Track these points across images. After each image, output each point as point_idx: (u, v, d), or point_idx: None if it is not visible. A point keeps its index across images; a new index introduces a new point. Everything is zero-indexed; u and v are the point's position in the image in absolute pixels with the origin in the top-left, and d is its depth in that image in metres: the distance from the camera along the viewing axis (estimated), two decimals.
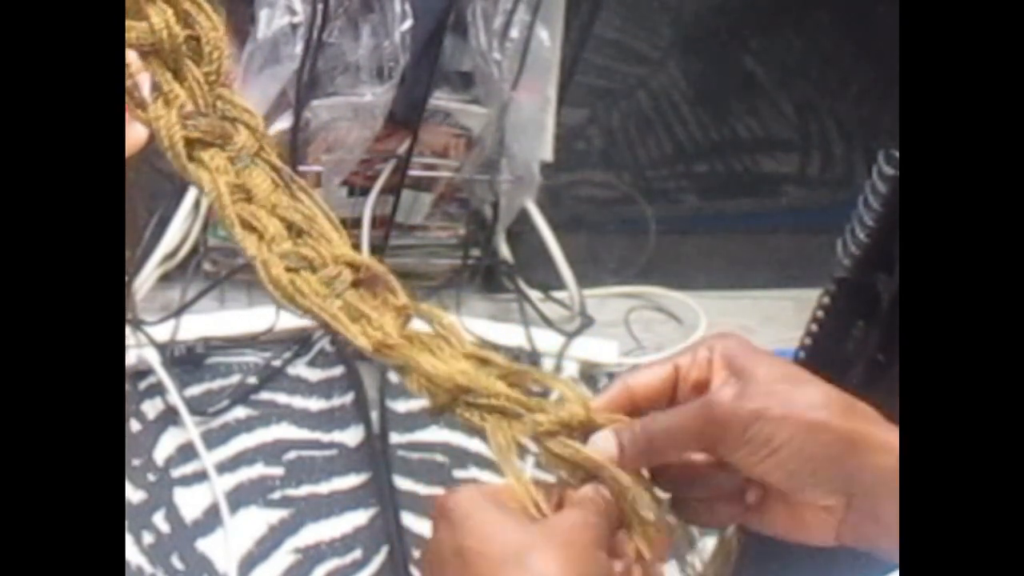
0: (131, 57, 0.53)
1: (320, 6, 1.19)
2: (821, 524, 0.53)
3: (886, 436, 0.51)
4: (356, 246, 1.27)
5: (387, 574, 1.23)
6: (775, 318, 1.60)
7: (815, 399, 0.51)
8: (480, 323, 1.46)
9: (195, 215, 1.35)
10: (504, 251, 1.51)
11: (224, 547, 1.21)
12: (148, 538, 1.20)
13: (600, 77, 1.58)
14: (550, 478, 0.55)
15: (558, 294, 1.52)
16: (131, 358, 1.29)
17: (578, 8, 1.38)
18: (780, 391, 0.52)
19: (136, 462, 1.26)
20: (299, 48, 1.21)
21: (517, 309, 1.50)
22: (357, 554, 1.24)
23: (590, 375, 1.48)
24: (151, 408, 1.30)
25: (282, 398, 1.36)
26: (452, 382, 0.53)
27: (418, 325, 0.56)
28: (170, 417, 1.29)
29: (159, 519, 1.22)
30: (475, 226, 1.50)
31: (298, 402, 1.36)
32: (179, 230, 1.34)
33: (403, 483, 1.30)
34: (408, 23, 1.23)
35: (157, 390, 1.30)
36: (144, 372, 1.31)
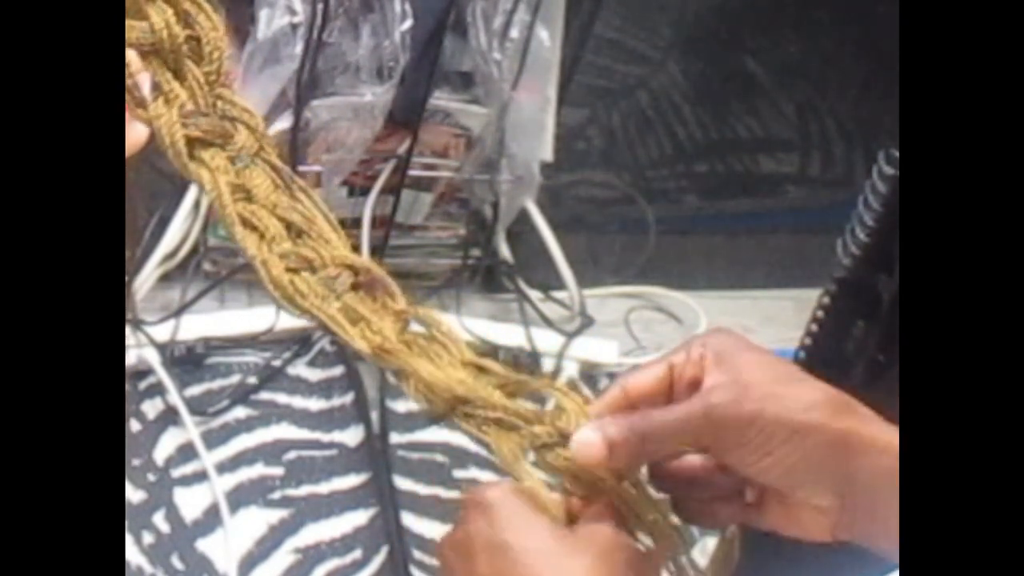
0: (131, 56, 0.53)
1: (320, 6, 1.19)
2: (817, 523, 0.53)
3: (882, 435, 0.51)
4: (356, 246, 1.27)
5: (387, 574, 1.23)
6: (775, 318, 1.59)
7: (810, 399, 0.52)
8: (480, 323, 1.46)
9: (195, 215, 1.35)
10: (504, 251, 1.51)
11: (224, 547, 1.21)
12: (148, 538, 1.20)
13: (600, 77, 1.58)
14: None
15: (558, 294, 1.52)
16: (131, 358, 1.29)
17: (578, 8, 1.38)
18: (775, 392, 0.51)
19: (136, 462, 1.26)
20: (299, 48, 1.21)
21: (517, 309, 1.50)
22: (357, 554, 1.24)
23: (590, 375, 1.48)
24: (151, 408, 1.30)
25: (282, 398, 1.36)
26: (450, 392, 0.53)
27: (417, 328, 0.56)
28: (170, 417, 1.29)
29: (159, 519, 1.22)
30: (475, 226, 1.50)
31: (298, 402, 1.36)
32: (179, 230, 1.34)
33: (403, 483, 1.30)
34: (408, 23, 1.23)
35: (157, 390, 1.30)
36: (144, 372, 1.31)
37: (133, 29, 0.53)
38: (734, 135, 1.68)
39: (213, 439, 1.29)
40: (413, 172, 1.38)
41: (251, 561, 1.21)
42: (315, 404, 1.36)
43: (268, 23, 1.19)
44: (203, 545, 1.21)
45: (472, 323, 1.44)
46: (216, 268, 1.42)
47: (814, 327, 0.98)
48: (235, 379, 1.36)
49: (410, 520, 1.27)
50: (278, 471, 1.29)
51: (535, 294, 1.51)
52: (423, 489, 1.31)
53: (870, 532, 0.51)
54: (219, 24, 0.55)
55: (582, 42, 1.42)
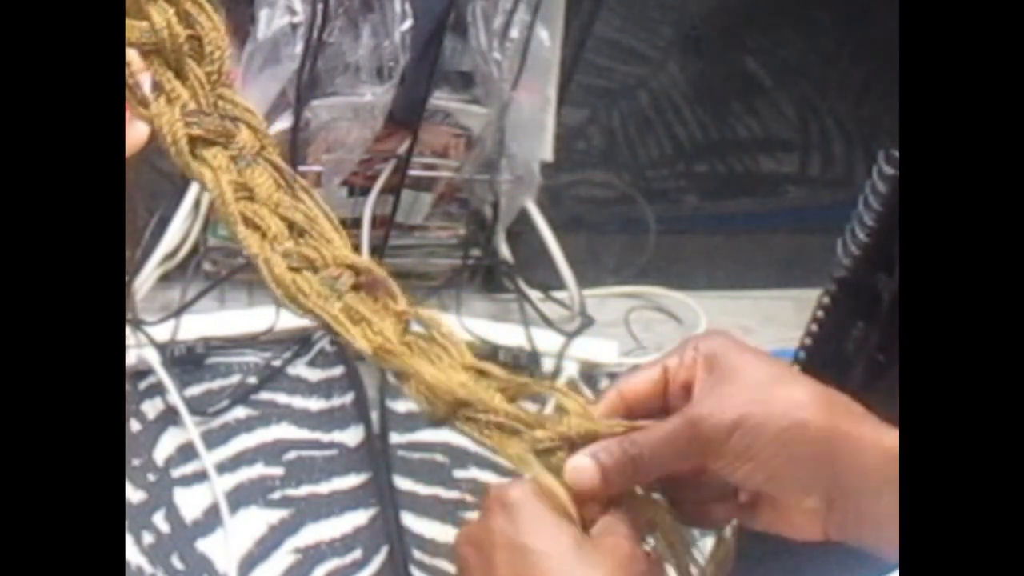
0: (133, 56, 0.54)
1: (320, 6, 1.19)
2: (807, 523, 0.53)
3: (869, 433, 0.51)
4: (356, 246, 1.27)
5: (387, 574, 1.23)
6: (775, 318, 1.59)
7: (797, 398, 0.52)
8: (480, 323, 1.46)
9: (195, 215, 1.35)
10: (504, 251, 1.51)
11: (224, 547, 1.21)
12: (148, 538, 1.20)
13: (600, 77, 1.58)
14: None
15: (558, 294, 1.52)
16: (131, 358, 1.29)
17: (578, 8, 1.38)
18: (761, 394, 0.52)
19: (136, 462, 1.26)
20: (299, 48, 1.21)
21: (517, 309, 1.50)
22: (357, 554, 1.24)
23: (590, 375, 1.48)
24: (151, 408, 1.30)
25: (282, 398, 1.36)
26: (452, 395, 0.53)
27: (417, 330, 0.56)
28: (170, 417, 1.29)
29: (159, 519, 1.22)
30: (475, 226, 1.50)
31: (298, 402, 1.36)
32: (179, 230, 1.34)
33: (403, 483, 1.30)
34: (408, 23, 1.23)
35: (157, 390, 1.30)
36: (144, 372, 1.31)
37: (134, 28, 0.53)
38: (734, 135, 1.68)
39: (213, 439, 1.29)
40: (413, 172, 1.38)
41: (251, 561, 1.21)
42: (315, 404, 1.36)
43: (268, 23, 1.19)
44: (203, 545, 1.21)
45: (472, 323, 1.44)
46: (216, 268, 1.42)
47: (814, 327, 0.98)
48: (235, 379, 1.36)
49: (410, 520, 1.27)
50: (278, 471, 1.29)
51: (535, 294, 1.51)
52: (423, 489, 1.31)
53: (860, 533, 0.52)
54: (220, 24, 0.55)
55: (582, 42, 1.42)
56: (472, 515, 0.60)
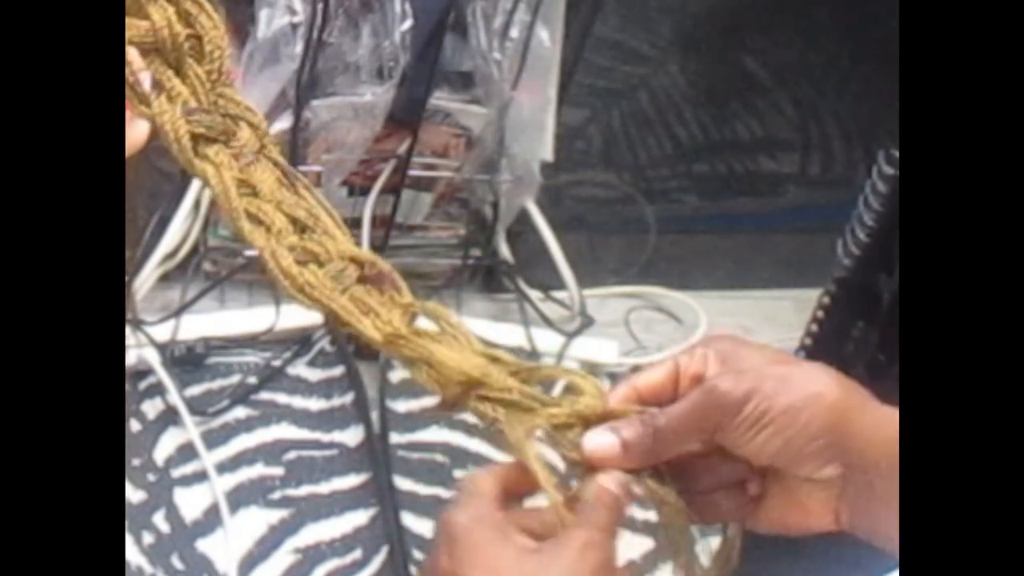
0: (133, 54, 0.53)
1: (320, 6, 1.19)
2: (820, 505, 0.53)
3: (883, 410, 0.52)
4: (356, 246, 1.27)
5: (387, 574, 1.23)
6: (775, 318, 1.60)
7: (810, 374, 0.53)
8: (480, 323, 1.46)
9: (195, 215, 1.35)
10: (504, 251, 1.51)
11: (224, 547, 1.21)
12: (148, 538, 1.20)
13: (600, 77, 1.58)
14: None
15: (558, 294, 1.52)
16: (131, 358, 1.29)
17: (578, 8, 1.38)
18: (775, 370, 0.53)
19: (136, 462, 1.26)
20: (299, 48, 1.21)
21: (517, 309, 1.50)
22: (357, 554, 1.24)
23: (590, 375, 1.48)
24: (151, 408, 1.30)
25: (282, 398, 1.36)
26: (465, 375, 0.53)
27: (423, 325, 0.56)
28: (170, 417, 1.29)
29: (159, 519, 1.22)
30: (475, 226, 1.50)
31: (298, 402, 1.36)
32: (179, 230, 1.34)
33: (403, 483, 1.30)
34: (408, 23, 1.23)
35: (157, 390, 1.30)
36: (144, 372, 1.31)
37: (134, 27, 0.53)
38: (734, 135, 1.68)
39: (213, 439, 1.29)
40: (413, 172, 1.38)
41: (251, 561, 1.21)
42: (315, 404, 1.36)
43: (268, 23, 1.19)
44: (203, 545, 1.21)
45: (472, 323, 1.44)
46: (216, 268, 1.42)
47: (814, 327, 0.98)
48: (235, 379, 1.36)
49: (410, 520, 1.27)
50: (278, 471, 1.29)
51: (535, 294, 1.51)
52: (423, 489, 1.31)
53: (871, 511, 0.52)
54: (220, 23, 0.55)
55: (582, 42, 1.42)
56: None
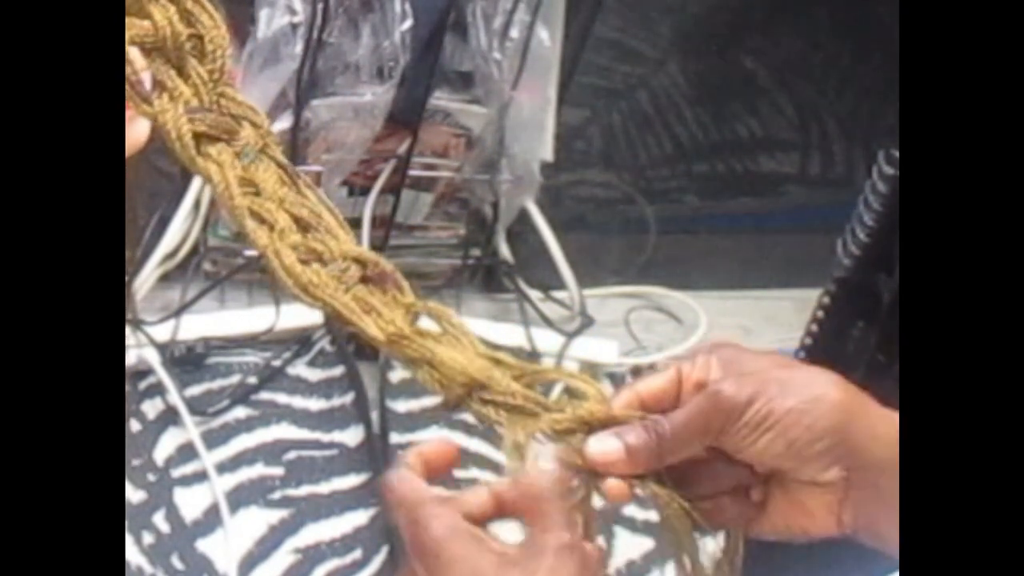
0: (135, 54, 0.53)
1: (320, 6, 1.19)
2: (823, 508, 0.53)
3: (884, 411, 0.52)
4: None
5: (387, 574, 1.23)
6: (775, 318, 1.60)
7: (813, 377, 0.53)
8: (480, 323, 1.46)
9: (195, 215, 1.35)
10: (504, 251, 1.51)
11: (224, 547, 1.21)
12: (148, 538, 1.20)
13: (600, 77, 1.58)
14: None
15: (558, 294, 1.52)
16: (131, 358, 1.29)
17: (578, 8, 1.38)
18: (777, 374, 0.53)
19: (136, 462, 1.26)
20: (299, 48, 1.21)
21: (517, 309, 1.50)
22: (357, 554, 1.24)
23: (590, 376, 1.48)
24: (151, 408, 1.30)
25: (282, 398, 1.36)
26: (468, 376, 0.53)
27: (425, 325, 0.56)
28: (170, 417, 1.29)
29: (159, 519, 1.22)
30: (475, 226, 1.50)
31: (298, 402, 1.36)
32: (179, 230, 1.34)
33: None
34: (408, 23, 1.23)
35: (157, 390, 1.30)
36: (144, 372, 1.31)
37: (136, 27, 0.53)
38: (734, 135, 1.68)
39: (213, 439, 1.29)
40: (413, 172, 1.38)
41: (251, 561, 1.21)
42: (315, 404, 1.36)
43: (268, 23, 1.19)
44: (203, 545, 1.21)
45: (472, 323, 1.44)
46: (216, 268, 1.42)
47: (814, 327, 0.98)
48: (235, 379, 1.36)
49: None
50: (278, 471, 1.29)
51: (535, 294, 1.51)
52: None
53: (875, 513, 0.52)
54: (221, 23, 0.55)
55: (582, 42, 1.42)
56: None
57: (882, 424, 0.52)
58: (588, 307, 1.51)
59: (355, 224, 1.38)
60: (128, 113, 0.54)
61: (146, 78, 0.54)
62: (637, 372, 1.49)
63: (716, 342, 0.57)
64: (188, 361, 1.35)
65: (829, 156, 1.73)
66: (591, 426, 0.54)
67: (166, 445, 1.28)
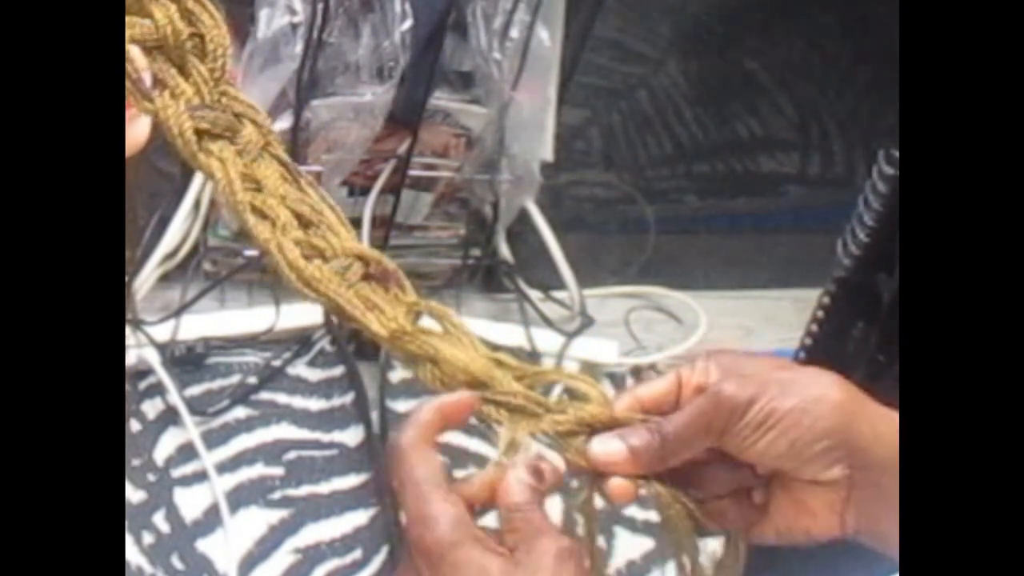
0: (136, 52, 0.53)
1: (320, 6, 1.19)
2: (825, 509, 0.53)
3: (885, 411, 0.52)
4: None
5: (387, 574, 1.23)
6: (775, 318, 1.60)
7: (814, 377, 0.53)
8: (480, 323, 1.46)
9: (195, 215, 1.35)
10: (504, 251, 1.51)
11: (224, 547, 1.21)
12: (148, 538, 1.20)
13: (600, 77, 1.58)
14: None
15: (558, 294, 1.52)
16: (131, 358, 1.29)
17: (578, 8, 1.38)
18: (778, 375, 0.53)
19: (136, 462, 1.26)
20: (299, 48, 1.21)
21: (517, 309, 1.50)
22: (357, 554, 1.24)
23: (590, 375, 1.48)
24: (151, 408, 1.30)
25: (282, 398, 1.36)
26: (471, 375, 0.53)
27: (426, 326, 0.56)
28: (170, 417, 1.29)
29: (159, 519, 1.22)
30: (475, 226, 1.50)
31: (298, 402, 1.36)
32: (179, 230, 1.34)
33: None
34: (408, 23, 1.23)
35: (157, 390, 1.30)
36: (144, 372, 1.31)
37: (137, 26, 0.53)
38: (734, 135, 1.68)
39: (213, 439, 1.29)
40: (413, 172, 1.38)
41: (251, 561, 1.21)
42: (315, 404, 1.36)
43: (268, 23, 1.19)
44: (203, 545, 1.21)
45: (472, 323, 1.44)
46: (216, 268, 1.42)
47: (814, 327, 0.98)
48: (235, 379, 1.36)
49: None
50: (278, 471, 1.29)
51: (535, 294, 1.51)
52: None
53: (878, 513, 0.52)
54: (221, 22, 0.55)
55: (582, 42, 1.41)
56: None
57: (883, 424, 0.52)
58: (588, 307, 1.51)
59: (355, 224, 1.37)
60: (128, 113, 0.54)
61: (147, 77, 0.54)
62: (637, 372, 1.49)
63: (716, 349, 0.58)
64: (188, 361, 1.35)
65: (829, 156, 1.73)
66: (593, 428, 0.54)
67: (166, 445, 1.28)
